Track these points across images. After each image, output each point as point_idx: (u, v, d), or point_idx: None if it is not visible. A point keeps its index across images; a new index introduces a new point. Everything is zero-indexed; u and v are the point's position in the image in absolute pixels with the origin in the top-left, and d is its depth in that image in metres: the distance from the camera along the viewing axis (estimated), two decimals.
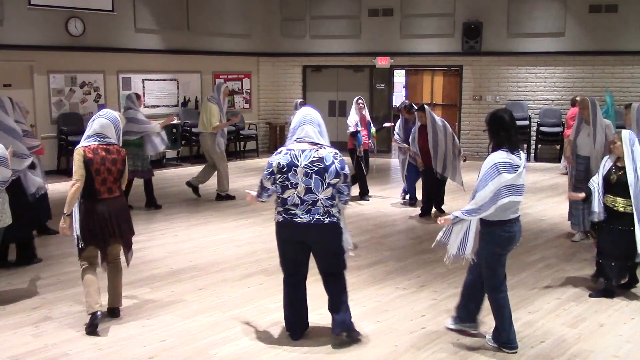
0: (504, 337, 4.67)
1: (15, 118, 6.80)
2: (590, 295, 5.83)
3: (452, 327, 5.01)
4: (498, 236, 4.55)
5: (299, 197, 4.58)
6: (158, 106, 14.31)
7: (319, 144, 4.61)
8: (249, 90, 16.28)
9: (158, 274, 6.51)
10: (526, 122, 14.90)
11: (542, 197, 10.54)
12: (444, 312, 5.46)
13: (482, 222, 4.59)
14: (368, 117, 10.36)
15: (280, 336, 4.97)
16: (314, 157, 4.55)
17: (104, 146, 5.08)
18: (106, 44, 13.18)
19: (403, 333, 5.04)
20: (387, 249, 7.52)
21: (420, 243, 7.80)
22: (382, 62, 15.86)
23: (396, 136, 9.90)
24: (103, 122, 5.11)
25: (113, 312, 5.32)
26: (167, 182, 12.00)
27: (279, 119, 16.53)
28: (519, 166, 4.48)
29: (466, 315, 4.94)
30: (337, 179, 4.59)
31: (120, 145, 5.26)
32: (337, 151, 4.67)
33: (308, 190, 4.56)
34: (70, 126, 12.43)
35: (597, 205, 5.71)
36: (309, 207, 4.58)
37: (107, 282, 5.36)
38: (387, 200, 10.27)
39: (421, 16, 15.47)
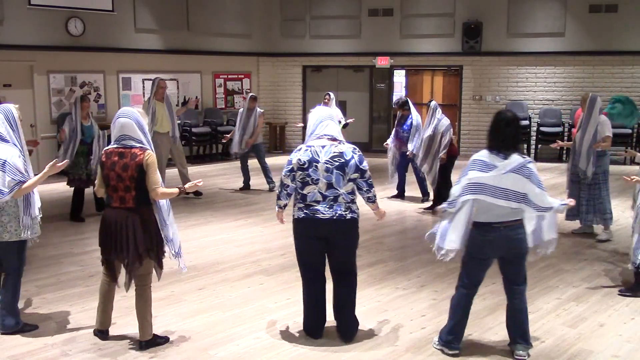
0: (443, 335, 4.67)
1: None
2: (619, 293, 5.88)
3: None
4: (473, 237, 4.49)
5: (320, 193, 4.60)
6: None
7: (338, 139, 4.66)
8: (249, 90, 16.28)
9: None
10: (526, 122, 14.90)
11: None
12: (444, 312, 5.45)
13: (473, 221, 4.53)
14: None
15: (280, 336, 4.97)
16: (334, 152, 4.60)
17: (120, 149, 4.54)
18: (106, 44, 13.18)
19: (403, 333, 5.04)
20: (387, 249, 7.52)
21: (420, 243, 7.79)
22: (382, 62, 15.86)
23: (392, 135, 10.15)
24: (123, 121, 4.56)
25: (139, 344, 4.69)
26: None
27: (279, 119, 16.53)
28: (496, 167, 4.34)
29: (510, 337, 4.78)
30: (357, 174, 4.63)
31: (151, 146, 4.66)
32: (355, 146, 4.71)
33: (329, 185, 4.59)
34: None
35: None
36: (331, 202, 4.61)
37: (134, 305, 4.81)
38: (387, 200, 10.26)
39: (421, 16, 15.48)
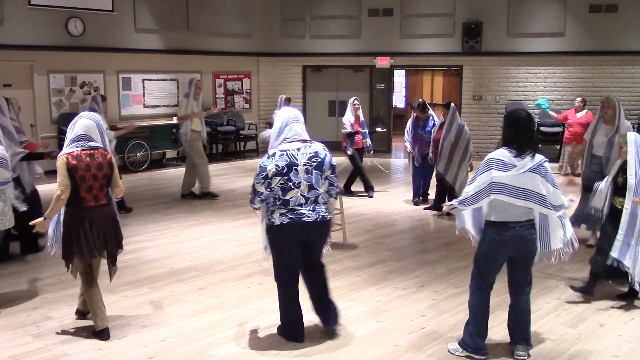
0: (468, 341, 4.59)
1: (10, 116, 6.87)
2: (571, 287, 5.93)
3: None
4: (488, 237, 4.48)
5: (303, 196, 4.57)
6: (158, 106, 14.32)
7: (308, 140, 4.66)
8: (249, 90, 16.29)
9: (158, 274, 6.51)
10: None
11: None
12: (444, 312, 5.47)
13: (485, 220, 4.53)
14: (362, 118, 10.45)
15: (280, 336, 4.97)
16: (310, 153, 4.60)
17: (88, 151, 4.74)
18: (106, 44, 13.18)
19: (403, 333, 5.04)
20: (387, 249, 7.52)
21: (420, 243, 7.80)
22: (382, 62, 15.86)
23: (406, 135, 9.90)
24: (86, 123, 4.78)
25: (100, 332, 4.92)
26: (167, 182, 12.00)
27: None
28: (515, 166, 4.31)
29: (511, 337, 4.78)
30: (330, 171, 4.69)
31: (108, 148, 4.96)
32: (323, 145, 4.76)
33: (311, 187, 4.58)
34: None
35: (599, 202, 5.67)
36: (313, 204, 4.60)
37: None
38: (387, 201, 10.27)
39: (421, 16, 15.47)
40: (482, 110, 15.44)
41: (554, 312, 5.50)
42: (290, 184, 4.52)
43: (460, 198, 4.51)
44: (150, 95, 14.18)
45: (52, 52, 12.36)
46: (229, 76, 15.82)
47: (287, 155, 4.54)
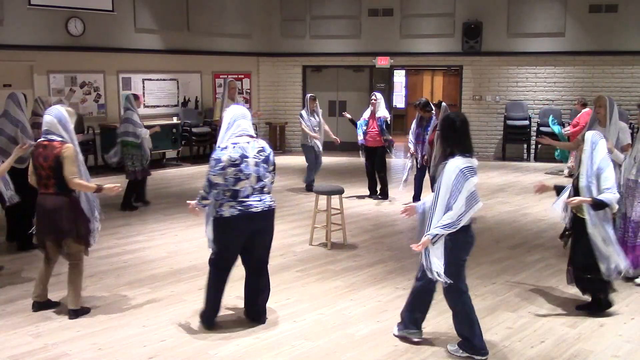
0: (477, 343, 4.54)
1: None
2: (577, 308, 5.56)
3: (397, 333, 4.91)
4: (464, 242, 4.49)
5: (252, 187, 4.84)
6: (158, 106, 14.32)
7: (254, 136, 4.94)
8: (249, 90, 16.29)
9: (158, 274, 6.51)
10: (526, 122, 14.91)
11: (542, 197, 10.50)
12: (444, 312, 5.46)
13: None
14: (382, 114, 10.07)
15: (280, 336, 4.97)
16: (258, 147, 4.89)
17: (45, 142, 5.16)
18: (106, 44, 13.18)
19: None
20: (387, 249, 7.52)
21: None
22: (382, 62, 15.86)
23: (410, 136, 9.73)
24: (47, 119, 5.22)
25: (69, 312, 5.29)
26: (167, 182, 12.00)
27: (279, 119, 16.53)
28: (476, 168, 4.45)
29: (411, 321, 4.82)
30: (272, 167, 5.01)
31: (72, 141, 5.24)
32: (265, 142, 5.10)
33: (258, 179, 4.86)
34: None
35: (559, 204, 5.62)
36: (259, 194, 4.87)
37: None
38: (387, 201, 10.26)
39: (421, 16, 15.48)
40: (482, 110, 15.45)
41: (554, 312, 5.50)
42: (241, 174, 4.78)
43: (444, 223, 4.34)
44: (150, 95, 14.18)
45: (52, 52, 12.36)
46: (229, 76, 15.80)
47: (239, 147, 4.80)
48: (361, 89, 16.28)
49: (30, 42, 12.03)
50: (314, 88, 16.37)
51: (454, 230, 4.36)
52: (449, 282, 4.46)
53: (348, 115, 10.85)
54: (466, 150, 4.45)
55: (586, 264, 5.24)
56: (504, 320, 5.30)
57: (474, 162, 4.46)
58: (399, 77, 19.48)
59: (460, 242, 4.47)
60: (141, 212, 9.38)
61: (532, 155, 15.13)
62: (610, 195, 5.05)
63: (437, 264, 4.45)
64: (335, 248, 7.45)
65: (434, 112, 9.38)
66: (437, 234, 4.38)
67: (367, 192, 10.50)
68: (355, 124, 10.37)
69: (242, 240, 4.96)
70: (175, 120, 14.12)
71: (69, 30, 12.60)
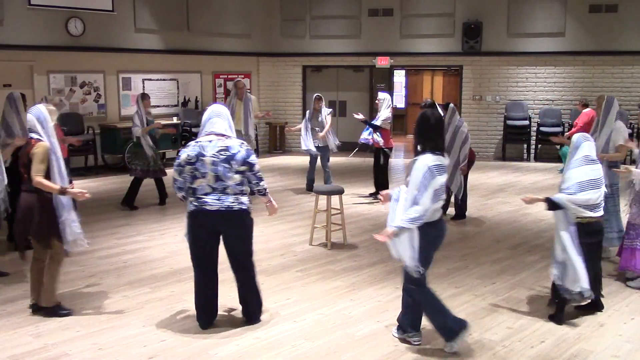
0: (453, 324, 4.60)
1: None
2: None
3: (397, 336, 4.92)
4: (434, 237, 4.58)
5: (210, 186, 4.83)
6: (158, 106, 14.30)
7: (225, 135, 4.87)
8: (249, 90, 16.26)
9: (158, 274, 6.51)
10: (526, 122, 14.91)
11: None
12: None
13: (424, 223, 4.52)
14: (380, 114, 10.02)
15: (280, 336, 4.97)
16: (220, 146, 4.81)
17: (27, 140, 5.30)
18: (106, 44, 13.18)
19: None
20: (387, 249, 7.44)
21: None
22: (382, 62, 15.86)
23: None
24: (28, 117, 5.31)
25: (39, 308, 5.34)
26: (167, 182, 11.95)
27: (279, 119, 16.52)
28: (446, 167, 4.51)
29: (409, 324, 4.83)
30: (245, 167, 4.85)
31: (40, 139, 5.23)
32: (243, 142, 4.97)
33: (217, 178, 4.81)
34: (71, 126, 12.40)
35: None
36: (220, 194, 4.82)
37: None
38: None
39: (421, 16, 15.48)
40: (482, 110, 15.45)
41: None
42: (197, 172, 4.82)
43: (409, 217, 4.41)
44: (151, 96, 14.13)
45: (52, 52, 12.36)
46: (229, 76, 15.81)
47: (198, 146, 4.85)
48: (361, 89, 16.28)
49: (30, 42, 12.03)
50: (314, 88, 16.35)
51: (418, 224, 4.44)
52: (421, 271, 4.53)
53: (361, 116, 10.70)
54: (437, 148, 4.53)
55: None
56: (504, 320, 5.30)
57: (443, 160, 4.52)
58: (399, 77, 19.47)
59: (431, 237, 4.57)
60: (141, 212, 9.38)
61: (532, 155, 15.13)
62: (563, 196, 5.06)
63: (405, 254, 4.51)
64: (335, 248, 7.46)
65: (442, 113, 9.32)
66: (401, 227, 4.47)
67: (367, 192, 10.52)
68: (367, 124, 10.35)
69: (204, 237, 4.93)
70: (175, 120, 14.11)
71: (69, 30, 12.60)
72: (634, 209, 6.03)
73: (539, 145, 14.99)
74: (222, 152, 4.81)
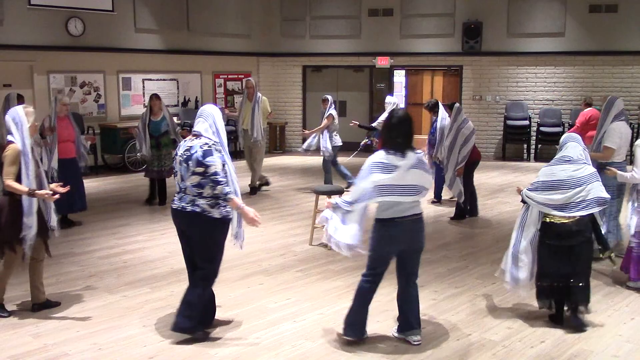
0: (347, 319, 4.78)
1: None
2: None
3: (396, 335, 4.93)
4: (378, 233, 4.63)
5: (177, 184, 4.85)
6: None
7: (200, 134, 4.76)
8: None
9: (158, 273, 6.51)
10: (526, 122, 14.91)
11: None
12: (444, 312, 5.47)
13: (375, 218, 4.68)
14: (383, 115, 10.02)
15: (280, 336, 4.97)
16: (186, 146, 4.77)
17: (8, 142, 5.21)
18: (106, 44, 13.18)
19: None
20: None
21: None
22: (382, 62, 15.86)
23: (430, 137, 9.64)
24: (5, 118, 5.26)
25: (33, 307, 5.48)
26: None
27: (279, 119, 16.52)
28: (397, 167, 4.46)
29: (406, 323, 4.85)
30: (201, 168, 4.64)
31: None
32: (208, 142, 4.71)
33: (182, 177, 4.79)
34: None
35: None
36: (182, 194, 4.81)
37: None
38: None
39: (421, 16, 15.48)
40: (482, 110, 15.45)
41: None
42: (175, 170, 4.89)
43: (344, 199, 4.62)
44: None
45: (52, 52, 12.36)
46: (229, 76, 15.82)
47: (179, 145, 4.93)
48: (361, 89, 16.27)
49: (30, 42, 12.03)
50: (314, 88, 16.38)
51: (346, 208, 4.58)
52: (349, 255, 4.72)
53: (354, 124, 10.78)
54: (392, 147, 4.54)
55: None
56: (504, 320, 5.30)
57: (395, 161, 4.48)
58: (399, 77, 19.43)
59: (377, 235, 4.65)
60: (141, 212, 9.38)
61: (532, 155, 15.13)
62: (525, 190, 5.15)
63: (336, 231, 4.64)
64: None
65: (439, 113, 9.31)
66: (336, 203, 4.63)
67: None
68: (366, 127, 10.36)
69: (178, 234, 4.97)
70: (175, 120, 14.09)
71: (69, 30, 12.60)
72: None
73: (539, 145, 14.99)
74: (185, 152, 4.74)
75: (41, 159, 8.21)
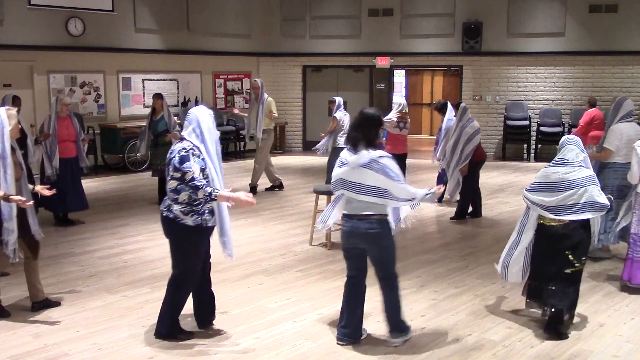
0: (339, 327, 4.87)
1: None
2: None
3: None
4: (342, 227, 4.81)
5: (168, 187, 4.77)
6: None
7: (183, 137, 4.67)
8: (249, 90, 16.28)
9: (158, 274, 6.51)
10: (526, 122, 14.91)
11: None
12: (444, 312, 5.47)
13: None
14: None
15: (280, 336, 4.97)
16: (171, 150, 4.70)
17: None
18: (106, 44, 13.18)
19: None
20: None
21: (420, 243, 7.80)
22: (382, 62, 15.86)
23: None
24: None
25: (32, 305, 5.51)
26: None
27: (279, 119, 16.47)
28: (346, 162, 4.60)
29: (394, 324, 4.84)
30: (178, 174, 4.52)
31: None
32: (186, 147, 4.56)
33: (168, 181, 4.71)
34: None
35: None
36: (166, 198, 4.75)
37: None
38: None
39: (421, 16, 15.48)
40: (482, 110, 15.45)
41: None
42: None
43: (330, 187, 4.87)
44: (150, 95, 14.13)
45: (52, 52, 12.36)
46: (229, 76, 15.82)
47: None
48: (361, 89, 16.28)
49: (30, 42, 12.03)
50: (314, 88, 16.38)
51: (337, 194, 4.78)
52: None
53: None
54: (348, 142, 4.68)
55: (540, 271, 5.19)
56: (504, 320, 5.30)
57: (346, 155, 4.62)
58: (399, 77, 19.46)
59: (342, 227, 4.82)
60: (141, 212, 9.37)
61: (532, 155, 15.13)
62: (524, 190, 5.20)
63: (325, 212, 4.95)
64: (335, 248, 7.44)
65: (447, 114, 9.30)
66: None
67: None
68: None
69: None
70: (176, 120, 14.08)
71: (69, 30, 12.60)
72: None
73: (539, 145, 15.00)
74: (169, 155, 4.67)
75: (42, 163, 8.26)
